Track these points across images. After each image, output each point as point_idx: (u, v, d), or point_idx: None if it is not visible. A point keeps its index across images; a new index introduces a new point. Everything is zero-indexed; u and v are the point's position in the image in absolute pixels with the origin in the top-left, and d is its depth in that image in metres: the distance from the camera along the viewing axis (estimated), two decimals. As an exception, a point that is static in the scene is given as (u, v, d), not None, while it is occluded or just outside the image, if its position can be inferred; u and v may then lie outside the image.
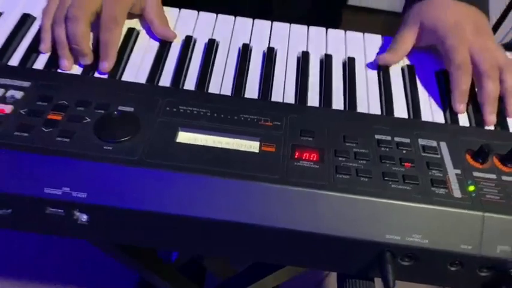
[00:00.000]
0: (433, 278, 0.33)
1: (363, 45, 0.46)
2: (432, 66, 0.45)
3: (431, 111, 0.41)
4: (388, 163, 0.34)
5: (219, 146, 0.34)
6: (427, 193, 0.33)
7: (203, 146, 0.34)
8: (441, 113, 0.41)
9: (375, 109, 0.40)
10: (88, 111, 0.35)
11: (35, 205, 0.31)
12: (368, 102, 0.41)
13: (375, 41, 0.47)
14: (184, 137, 0.34)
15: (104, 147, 0.33)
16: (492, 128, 0.40)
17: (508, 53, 0.45)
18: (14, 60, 0.40)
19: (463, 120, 0.40)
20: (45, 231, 0.34)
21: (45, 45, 0.41)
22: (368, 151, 0.35)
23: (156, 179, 0.32)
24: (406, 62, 0.45)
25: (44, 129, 0.33)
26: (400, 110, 0.41)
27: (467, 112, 0.41)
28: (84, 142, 0.33)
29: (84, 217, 0.32)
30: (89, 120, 0.34)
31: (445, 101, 0.41)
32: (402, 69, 0.44)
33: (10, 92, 0.36)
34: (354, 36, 0.47)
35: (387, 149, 0.35)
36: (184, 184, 0.32)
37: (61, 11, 0.40)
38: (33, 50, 0.41)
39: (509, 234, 0.31)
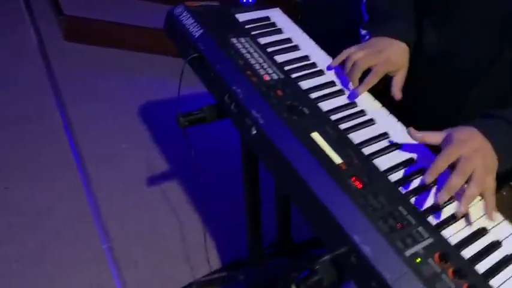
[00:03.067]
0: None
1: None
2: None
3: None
4: (391, 218, 0.57)
5: (322, 145, 0.64)
6: (392, 236, 0.55)
7: (317, 143, 0.65)
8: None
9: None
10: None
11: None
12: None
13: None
14: (317, 136, 0.66)
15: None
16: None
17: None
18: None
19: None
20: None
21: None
22: (391, 208, 0.58)
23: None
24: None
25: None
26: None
27: None
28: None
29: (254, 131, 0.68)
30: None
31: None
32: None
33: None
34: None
35: (397, 215, 0.58)
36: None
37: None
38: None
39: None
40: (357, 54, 0.75)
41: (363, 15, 0.85)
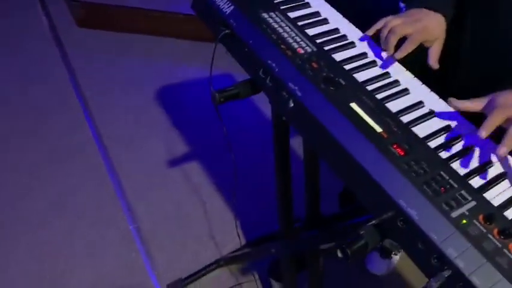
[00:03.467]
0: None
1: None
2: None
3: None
4: (434, 182, 0.58)
5: (362, 115, 0.66)
6: (436, 200, 0.56)
7: (357, 113, 0.66)
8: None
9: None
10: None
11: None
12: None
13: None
14: (355, 106, 0.67)
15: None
16: None
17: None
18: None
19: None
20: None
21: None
22: (434, 173, 0.59)
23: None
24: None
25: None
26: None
27: None
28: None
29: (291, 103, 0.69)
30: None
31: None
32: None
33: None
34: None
35: (440, 179, 0.59)
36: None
37: None
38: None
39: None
40: (394, 21, 0.75)
41: None
